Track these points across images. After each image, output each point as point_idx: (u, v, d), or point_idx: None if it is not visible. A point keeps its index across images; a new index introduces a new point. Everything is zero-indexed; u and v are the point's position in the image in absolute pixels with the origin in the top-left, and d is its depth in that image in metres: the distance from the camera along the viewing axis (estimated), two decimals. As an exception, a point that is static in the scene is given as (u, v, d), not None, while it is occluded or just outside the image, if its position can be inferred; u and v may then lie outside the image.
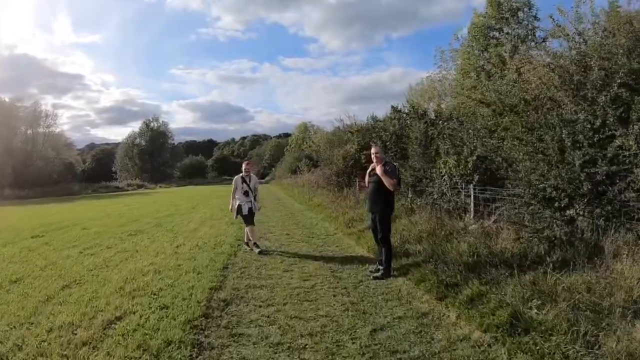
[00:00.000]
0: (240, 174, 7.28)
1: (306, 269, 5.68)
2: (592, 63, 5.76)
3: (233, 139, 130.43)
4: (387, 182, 5.09)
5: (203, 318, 3.87)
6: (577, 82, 6.05)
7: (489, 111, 7.88)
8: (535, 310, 3.74)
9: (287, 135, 78.07)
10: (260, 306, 4.19)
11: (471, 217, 7.59)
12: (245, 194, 7.15)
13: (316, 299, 4.39)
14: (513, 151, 6.72)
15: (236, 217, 7.35)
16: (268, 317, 3.90)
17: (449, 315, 3.87)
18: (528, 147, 6.10)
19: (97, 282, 5.27)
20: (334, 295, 4.46)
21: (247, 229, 7.18)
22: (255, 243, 7.09)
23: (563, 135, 5.60)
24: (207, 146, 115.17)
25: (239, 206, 7.11)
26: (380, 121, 15.13)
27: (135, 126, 64.54)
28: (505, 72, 8.45)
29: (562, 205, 5.67)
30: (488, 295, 4.06)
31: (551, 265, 4.71)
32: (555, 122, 5.85)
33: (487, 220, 7.13)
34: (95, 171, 59.90)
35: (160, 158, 63.29)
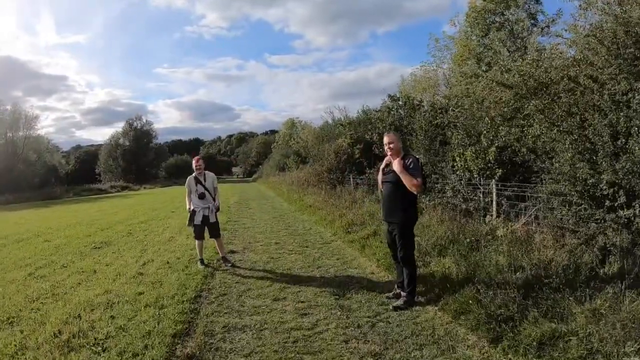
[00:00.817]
0: (193, 174, 5.95)
1: (303, 295, 4.42)
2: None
3: (219, 138, 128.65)
4: (408, 182, 3.82)
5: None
6: (629, 55, 4.96)
7: (510, 94, 6.74)
8: (636, 359, 2.63)
9: (274, 132, 76.64)
10: (242, 366, 2.92)
11: (493, 218, 6.48)
12: (202, 196, 5.83)
13: (321, 349, 3.12)
14: (544, 138, 5.62)
15: (190, 225, 6.04)
16: (254, 386, 2.66)
17: (513, 371, 2.72)
18: (572, 135, 4.97)
19: (34, 321, 4.02)
20: (346, 342, 3.21)
21: (197, 243, 5.98)
22: (201, 259, 5.95)
23: (620, 120, 4.50)
24: (194, 145, 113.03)
25: (193, 212, 5.84)
26: (377, 111, 13.93)
27: (121, 127, 61.82)
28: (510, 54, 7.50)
29: (616, 205, 4.57)
30: (564, 336, 2.90)
31: (624, 283, 3.63)
32: (605, 104, 4.76)
33: (515, 222, 6.03)
34: (79, 173, 57.68)
35: (144, 158, 61.02)
